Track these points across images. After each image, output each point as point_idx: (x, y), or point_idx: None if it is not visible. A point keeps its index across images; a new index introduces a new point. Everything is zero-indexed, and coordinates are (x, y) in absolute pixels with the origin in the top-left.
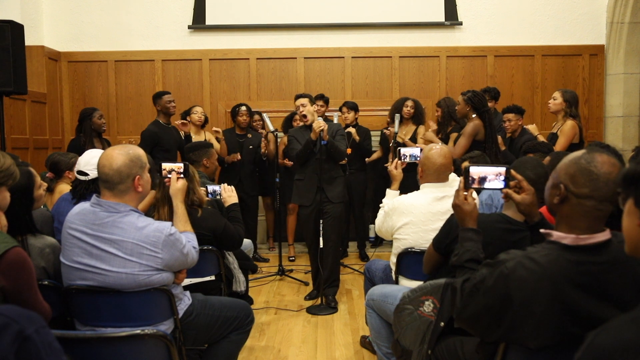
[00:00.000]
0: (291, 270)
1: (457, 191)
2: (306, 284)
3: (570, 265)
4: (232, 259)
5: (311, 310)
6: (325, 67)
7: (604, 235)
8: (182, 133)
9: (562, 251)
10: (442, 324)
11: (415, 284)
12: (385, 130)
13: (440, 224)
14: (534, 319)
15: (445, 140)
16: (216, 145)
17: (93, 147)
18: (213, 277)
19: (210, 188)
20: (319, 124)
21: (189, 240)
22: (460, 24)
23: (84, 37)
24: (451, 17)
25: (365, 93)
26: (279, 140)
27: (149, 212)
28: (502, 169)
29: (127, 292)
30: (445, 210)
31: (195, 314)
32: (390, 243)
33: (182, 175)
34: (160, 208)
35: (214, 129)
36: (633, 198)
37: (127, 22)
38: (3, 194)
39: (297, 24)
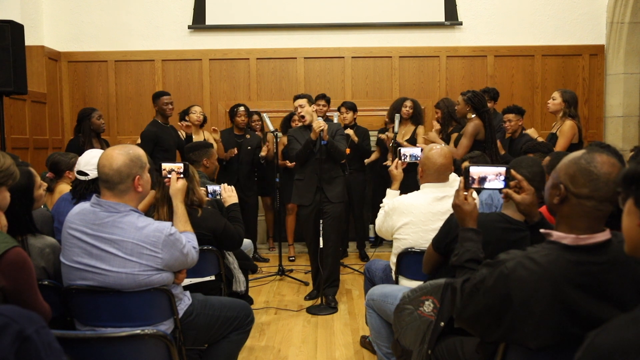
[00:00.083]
0: (291, 270)
1: (457, 191)
2: (306, 284)
3: (570, 265)
4: (232, 259)
5: (311, 310)
6: (325, 67)
7: (604, 235)
8: (182, 133)
9: (562, 251)
10: (442, 324)
11: (415, 284)
12: (381, 135)
13: (440, 224)
14: (534, 319)
15: (446, 141)
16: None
17: (92, 147)
18: (213, 277)
19: (210, 188)
20: (319, 124)
21: (189, 240)
22: (460, 24)
23: (84, 37)
24: (451, 17)
25: (365, 93)
26: (278, 140)
27: (149, 212)
28: (502, 169)
29: (127, 292)
30: (445, 210)
31: (195, 314)
32: (390, 243)
33: (182, 176)
34: (159, 208)
35: (213, 128)
36: (633, 198)
37: (127, 22)
38: (3, 194)
39: (297, 24)
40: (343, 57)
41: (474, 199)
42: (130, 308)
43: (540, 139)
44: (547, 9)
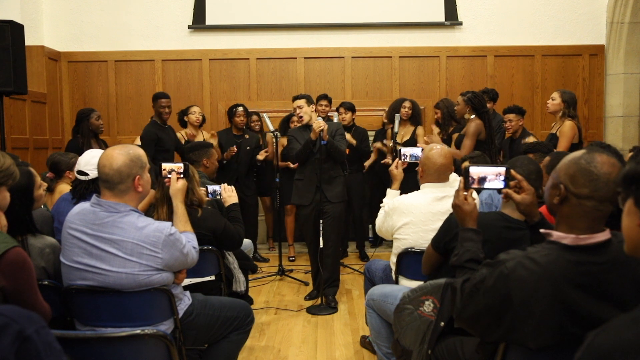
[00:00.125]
0: (291, 270)
1: (457, 191)
2: (306, 284)
3: (570, 266)
4: (232, 259)
5: (311, 310)
6: (325, 67)
7: (604, 235)
8: (182, 135)
9: (562, 251)
10: (442, 324)
11: (415, 283)
12: (377, 145)
13: (440, 224)
14: (534, 319)
15: (447, 141)
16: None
17: (90, 148)
18: (213, 277)
19: (210, 188)
20: (319, 124)
21: (189, 240)
22: (460, 24)
23: (84, 37)
24: (451, 17)
25: (365, 93)
26: (277, 141)
27: (149, 212)
28: (502, 169)
29: (127, 292)
30: (445, 210)
31: (195, 314)
32: (390, 243)
33: (182, 176)
34: (159, 208)
35: (211, 132)
36: (633, 198)
37: (127, 22)
38: (3, 194)
39: (297, 24)
40: (343, 57)
41: (474, 199)
42: (130, 308)
43: None
44: (547, 9)
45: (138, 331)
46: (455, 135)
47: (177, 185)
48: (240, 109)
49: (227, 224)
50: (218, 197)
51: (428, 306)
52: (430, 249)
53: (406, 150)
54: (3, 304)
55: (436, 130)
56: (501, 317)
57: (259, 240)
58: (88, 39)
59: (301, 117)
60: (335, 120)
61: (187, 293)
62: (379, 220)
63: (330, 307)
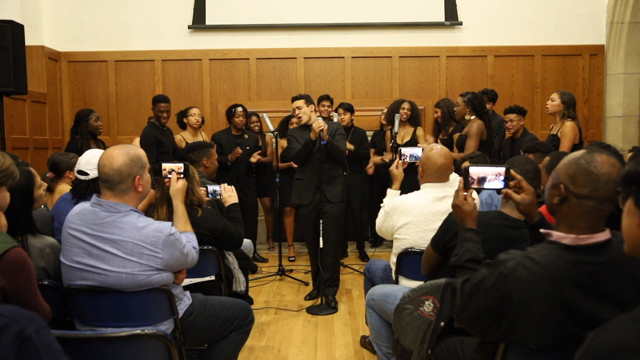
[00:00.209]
0: (291, 270)
1: (457, 191)
2: (306, 284)
3: (570, 266)
4: (232, 259)
5: (311, 310)
6: (325, 67)
7: (604, 235)
8: (182, 137)
9: (562, 251)
10: (442, 323)
11: (415, 283)
12: (376, 160)
13: (440, 224)
14: (534, 319)
15: (448, 141)
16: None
17: (89, 149)
18: (213, 277)
19: (210, 188)
20: (319, 123)
21: (189, 241)
22: (460, 24)
23: (84, 37)
24: (451, 17)
25: (365, 93)
26: (277, 141)
27: (149, 212)
28: (502, 169)
29: (127, 292)
30: (445, 210)
31: (195, 314)
32: (390, 243)
33: (182, 176)
34: (159, 208)
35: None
36: (633, 198)
37: (127, 22)
38: (3, 194)
39: (297, 24)
40: (343, 57)
41: (474, 199)
42: (130, 308)
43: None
44: (547, 9)
45: (138, 331)
46: (456, 135)
47: (177, 186)
48: (240, 109)
49: (227, 224)
50: (218, 197)
51: (428, 306)
52: (429, 249)
53: (406, 150)
54: (3, 304)
55: (431, 139)
56: (501, 317)
57: (259, 240)
58: (88, 39)
59: (300, 117)
60: (335, 120)
61: (187, 293)
62: (379, 220)
63: (330, 307)
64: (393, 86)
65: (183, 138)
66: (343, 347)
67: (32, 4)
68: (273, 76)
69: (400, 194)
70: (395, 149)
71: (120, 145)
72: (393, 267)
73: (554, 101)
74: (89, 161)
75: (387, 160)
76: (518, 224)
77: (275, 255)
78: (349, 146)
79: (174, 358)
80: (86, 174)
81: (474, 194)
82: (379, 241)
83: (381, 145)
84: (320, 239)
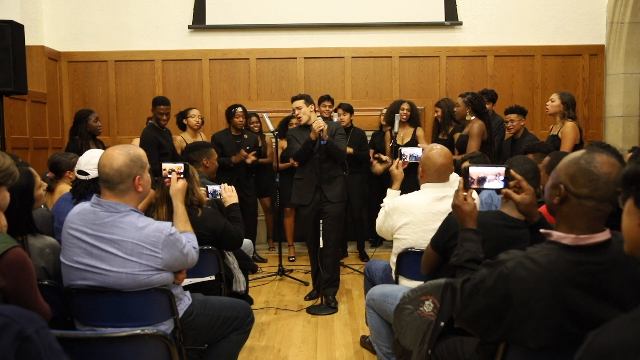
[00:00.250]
0: (291, 270)
1: (457, 191)
2: (306, 284)
3: (570, 265)
4: (232, 259)
5: (311, 310)
6: (325, 67)
7: (604, 235)
8: (182, 138)
9: (562, 251)
10: (442, 323)
11: (415, 283)
12: (377, 169)
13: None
14: (534, 319)
15: (448, 141)
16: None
17: (89, 149)
18: (213, 277)
19: (210, 188)
20: (319, 123)
21: (189, 241)
22: (460, 24)
23: (84, 37)
24: (451, 17)
25: (365, 93)
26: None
27: (149, 212)
28: (502, 169)
29: (127, 292)
30: (445, 210)
31: (195, 314)
32: (390, 243)
33: (182, 176)
34: (159, 207)
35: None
36: (633, 198)
37: (127, 22)
38: (3, 194)
39: (297, 24)
40: (343, 57)
41: (474, 199)
42: (130, 308)
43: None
44: (547, 9)
45: (138, 331)
46: (456, 135)
47: (177, 186)
48: (239, 109)
49: (227, 223)
50: (218, 197)
51: (428, 306)
52: (429, 249)
53: (406, 150)
54: (3, 304)
55: (424, 144)
56: (501, 317)
57: (258, 240)
58: (88, 39)
59: (300, 117)
60: (335, 119)
61: (187, 293)
62: (379, 220)
63: (330, 307)
64: (393, 86)
65: (183, 139)
66: (343, 347)
67: (32, 4)
68: (273, 76)
69: (401, 194)
70: (396, 149)
71: (121, 145)
72: (393, 267)
73: (554, 102)
74: (89, 161)
75: (384, 159)
76: (518, 224)
77: (275, 255)
78: (348, 150)
79: (174, 358)
80: (86, 173)
81: (474, 194)
82: (379, 241)
83: (380, 145)
84: (320, 239)
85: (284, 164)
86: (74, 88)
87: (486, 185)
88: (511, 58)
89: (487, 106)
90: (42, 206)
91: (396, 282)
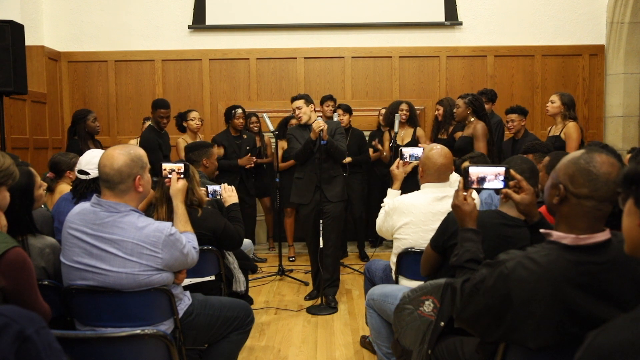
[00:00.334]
0: (291, 270)
1: (457, 191)
2: (306, 284)
3: (570, 265)
4: (232, 259)
5: (311, 310)
6: (325, 67)
7: (604, 235)
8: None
9: (562, 251)
10: (442, 323)
11: (415, 283)
12: (376, 145)
13: None
14: (534, 319)
15: (448, 141)
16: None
17: (87, 149)
18: (213, 277)
19: (210, 188)
20: (319, 123)
21: (189, 241)
22: (460, 24)
23: (84, 37)
24: (451, 17)
25: (365, 93)
26: (276, 142)
27: (149, 212)
28: (502, 169)
29: (127, 292)
30: (445, 210)
31: (195, 314)
32: (390, 243)
33: (182, 176)
34: (159, 207)
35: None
36: (633, 198)
37: (127, 22)
38: (3, 194)
39: (297, 24)
40: (343, 57)
41: (474, 199)
42: (130, 308)
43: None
44: (547, 9)
45: (138, 331)
46: (458, 134)
47: (177, 186)
48: (240, 110)
49: (227, 223)
50: (218, 197)
51: (428, 306)
52: (429, 249)
53: (407, 150)
54: (3, 304)
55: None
56: (501, 317)
57: (258, 240)
58: (88, 39)
59: (300, 117)
60: (335, 119)
61: (187, 293)
62: (379, 220)
63: (330, 307)
64: (393, 86)
65: (185, 141)
66: (343, 347)
67: (32, 4)
68: (273, 76)
69: (401, 194)
70: (396, 149)
71: (121, 145)
72: (393, 267)
73: (554, 103)
74: (90, 161)
75: (380, 148)
76: (516, 223)
77: (275, 255)
78: (347, 159)
79: (174, 358)
80: (87, 173)
81: (474, 194)
82: (379, 241)
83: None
84: (320, 238)
85: (286, 162)
86: (74, 88)
87: (486, 185)
88: (511, 58)
89: (487, 106)
90: (42, 206)
91: (396, 282)
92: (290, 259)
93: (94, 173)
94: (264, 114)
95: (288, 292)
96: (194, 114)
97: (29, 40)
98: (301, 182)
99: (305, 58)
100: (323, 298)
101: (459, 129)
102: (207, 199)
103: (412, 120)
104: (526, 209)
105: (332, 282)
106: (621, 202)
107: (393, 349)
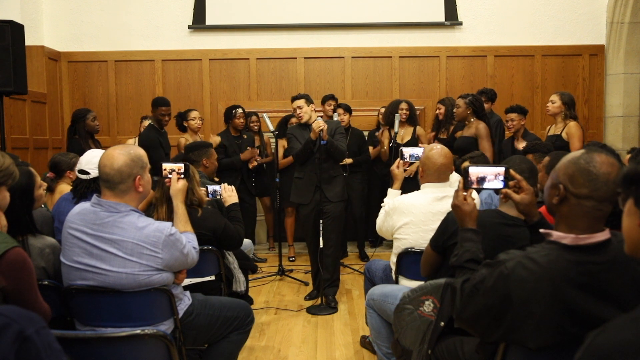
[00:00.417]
0: (291, 270)
1: (457, 191)
2: (306, 284)
3: (570, 265)
4: (232, 259)
5: (311, 310)
6: (325, 67)
7: (604, 235)
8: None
9: (561, 251)
10: (442, 323)
11: (415, 283)
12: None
13: None
14: (533, 319)
15: (448, 141)
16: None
17: (88, 148)
18: (213, 277)
19: (210, 188)
20: (319, 123)
21: (189, 241)
22: (460, 24)
23: (84, 37)
24: (451, 17)
25: (365, 93)
26: (276, 141)
27: (149, 212)
28: (501, 169)
29: (127, 292)
30: (445, 210)
31: (195, 314)
32: (390, 243)
33: (182, 176)
34: (159, 207)
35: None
36: (633, 198)
37: (127, 22)
38: (3, 193)
39: (297, 24)
40: (343, 57)
41: (473, 199)
42: (130, 308)
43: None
44: (547, 9)
45: (138, 331)
46: (459, 134)
47: (177, 186)
48: (240, 110)
49: (227, 223)
50: (218, 197)
51: (428, 306)
52: (428, 249)
53: (407, 150)
54: (3, 304)
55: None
56: (501, 317)
57: (257, 240)
58: (88, 39)
59: (301, 117)
60: (335, 119)
61: (187, 293)
62: (379, 220)
63: (330, 307)
64: (393, 86)
65: (187, 140)
66: (343, 347)
67: (32, 4)
68: (273, 76)
69: (401, 194)
70: (396, 149)
71: (121, 145)
72: (393, 267)
73: (555, 103)
74: (90, 160)
75: (382, 140)
76: (516, 222)
77: (275, 255)
78: (347, 160)
79: (174, 358)
80: (87, 173)
81: (474, 194)
82: (379, 241)
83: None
84: (320, 238)
85: (285, 160)
86: (74, 88)
87: (486, 185)
88: (511, 58)
89: (486, 106)
90: (42, 206)
91: (396, 282)
92: (290, 259)
93: (94, 173)
94: (264, 114)
95: (288, 292)
96: (194, 114)
97: (29, 40)
98: (301, 182)
99: (305, 58)
100: (323, 298)
101: (459, 128)
102: (207, 199)
103: (412, 119)
104: (526, 209)
105: (332, 282)
106: (621, 202)
107: (393, 349)
